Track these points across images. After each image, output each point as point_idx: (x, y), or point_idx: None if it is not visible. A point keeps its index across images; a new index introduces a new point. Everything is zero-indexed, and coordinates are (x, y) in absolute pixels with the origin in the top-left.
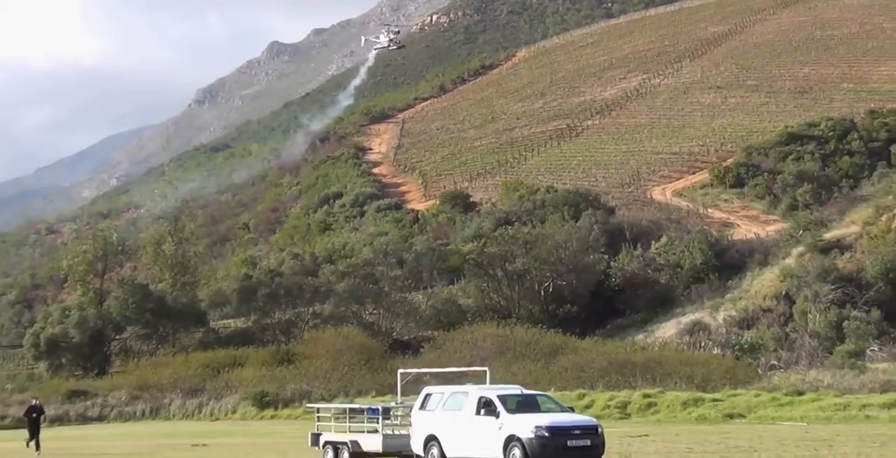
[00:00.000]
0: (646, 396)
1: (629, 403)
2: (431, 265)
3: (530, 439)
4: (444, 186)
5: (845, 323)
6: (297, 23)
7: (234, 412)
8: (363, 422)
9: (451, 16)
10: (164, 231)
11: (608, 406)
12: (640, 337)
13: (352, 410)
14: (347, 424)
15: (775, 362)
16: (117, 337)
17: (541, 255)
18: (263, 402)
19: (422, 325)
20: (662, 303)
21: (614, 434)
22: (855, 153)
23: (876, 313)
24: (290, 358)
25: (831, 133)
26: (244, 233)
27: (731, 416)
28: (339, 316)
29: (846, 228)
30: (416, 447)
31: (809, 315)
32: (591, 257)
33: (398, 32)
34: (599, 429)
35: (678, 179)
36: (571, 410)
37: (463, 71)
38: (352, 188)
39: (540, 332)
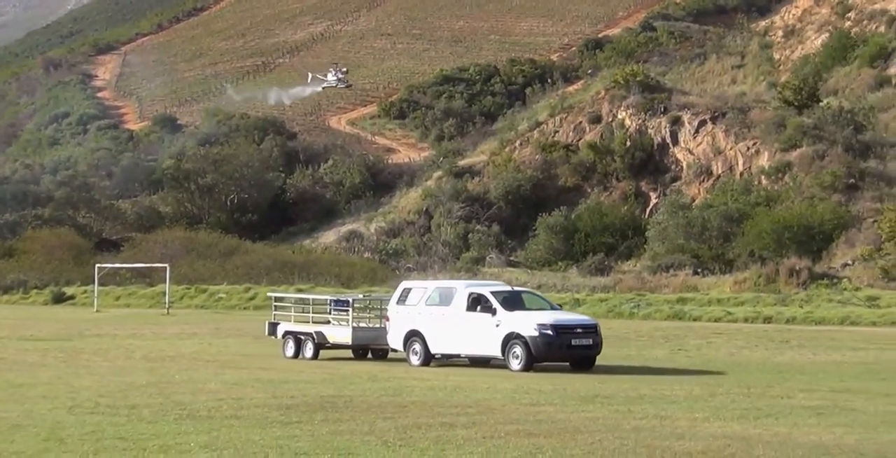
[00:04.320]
0: (299, 290)
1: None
2: (137, 177)
3: (534, 337)
4: (157, 110)
5: (470, 235)
6: None
7: None
8: (328, 313)
9: None
10: None
11: (268, 298)
12: (307, 242)
13: (315, 301)
14: (310, 315)
15: (411, 266)
16: None
17: (228, 171)
18: None
19: (127, 228)
20: (327, 215)
21: (262, 320)
22: (497, 94)
23: (496, 228)
24: (12, 253)
25: (478, 77)
26: None
27: None
28: (57, 218)
29: (477, 157)
30: (395, 342)
31: (443, 228)
32: (271, 174)
33: (346, 72)
34: (598, 328)
35: (352, 111)
36: (560, 307)
37: (178, 12)
38: (78, 109)
39: (219, 236)
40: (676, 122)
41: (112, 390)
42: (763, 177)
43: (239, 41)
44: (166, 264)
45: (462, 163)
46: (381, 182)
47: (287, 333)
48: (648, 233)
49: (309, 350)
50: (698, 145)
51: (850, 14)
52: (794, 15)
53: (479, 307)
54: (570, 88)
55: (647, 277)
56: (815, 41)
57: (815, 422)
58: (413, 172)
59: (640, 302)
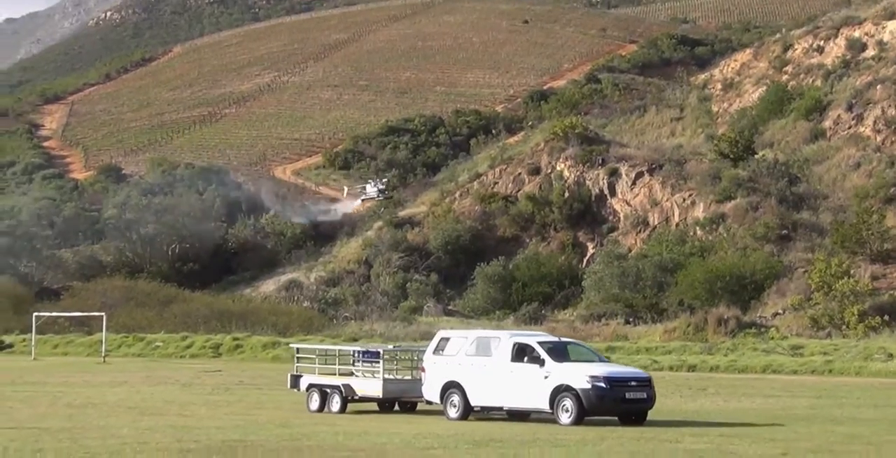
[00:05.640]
0: (235, 339)
1: (221, 344)
2: (80, 227)
3: (586, 390)
4: (102, 160)
5: (408, 284)
6: None
7: None
8: (355, 365)
9: (123, 13)
10: None
11: (204, 346)
12: (247, 291)
13: (342, 352)
14: (336, 366)
15: (349, 315)
16: None
17: (169, 221)
18: None
19: (68, 277)
20: (268, 264)
21: (194, 369)
22: (441, 145)
23: (434, 277)
24: None
25: (423, 128)
26: None
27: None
28: None
29: (417, 207)
30: (431, 394)
31: (381, 277)
32: (212, 224)
33: (386, 182)
34: (652, 381)
35: (297, 161)
36: (608, 359)
37: (126, 62)
38: (23, 158)
39: (158, 285)
40: (614, 173)
41: (25, 435)
42: (698, 228)
43: (186, 91)
44: (103, 313)
45: (402, 213)
46: (322, 232)
47: (311, 385)
48: (585, 282)
49: (336, 404)
50: (635, 197)
51: (787, 68)
52: (732, 68)
53: (525, 358)
54: (511, 140)
55: (580, 325)
56: (753, 94)
57: None
58: (353, 223)
59: None
